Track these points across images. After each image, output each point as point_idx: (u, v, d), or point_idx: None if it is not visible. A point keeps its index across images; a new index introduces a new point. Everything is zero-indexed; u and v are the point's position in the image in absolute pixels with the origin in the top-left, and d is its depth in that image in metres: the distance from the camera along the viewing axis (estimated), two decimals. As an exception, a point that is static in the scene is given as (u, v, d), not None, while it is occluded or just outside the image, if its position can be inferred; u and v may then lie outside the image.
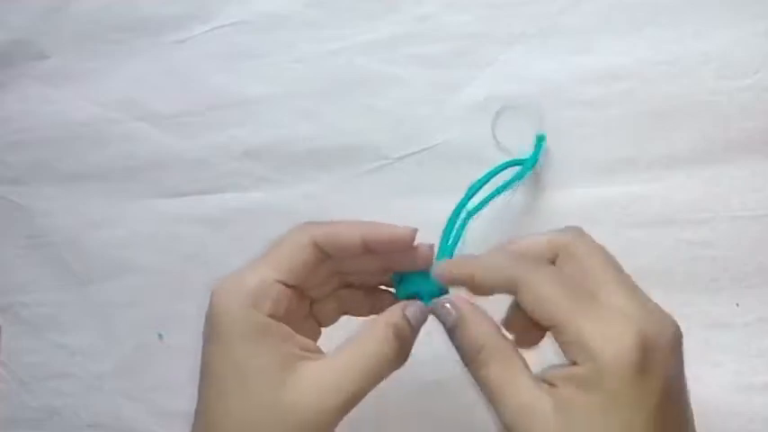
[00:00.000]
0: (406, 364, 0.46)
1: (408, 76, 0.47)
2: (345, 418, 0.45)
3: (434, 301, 0.34)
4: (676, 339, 0.31)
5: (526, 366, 0.32)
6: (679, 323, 0.44)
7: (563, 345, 0.30)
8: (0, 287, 0.53)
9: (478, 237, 0.45)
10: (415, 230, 0.35)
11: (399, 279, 0.38)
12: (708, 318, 0.44)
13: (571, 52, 0.45)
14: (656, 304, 0.32)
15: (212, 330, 0.32)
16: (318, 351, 0.35)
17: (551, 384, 0.30)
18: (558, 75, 0.45)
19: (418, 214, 0.46)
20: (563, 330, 0.30)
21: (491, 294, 0.33)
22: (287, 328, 0.33)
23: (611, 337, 0.29)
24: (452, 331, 0.33)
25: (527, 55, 0.46)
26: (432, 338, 0.44)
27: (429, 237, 0.41)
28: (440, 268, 0.35)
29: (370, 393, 0.42)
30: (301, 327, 0.35)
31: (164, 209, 0.51)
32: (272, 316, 0.32)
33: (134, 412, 0.51)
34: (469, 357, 0.32)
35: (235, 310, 0.32)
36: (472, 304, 0.33)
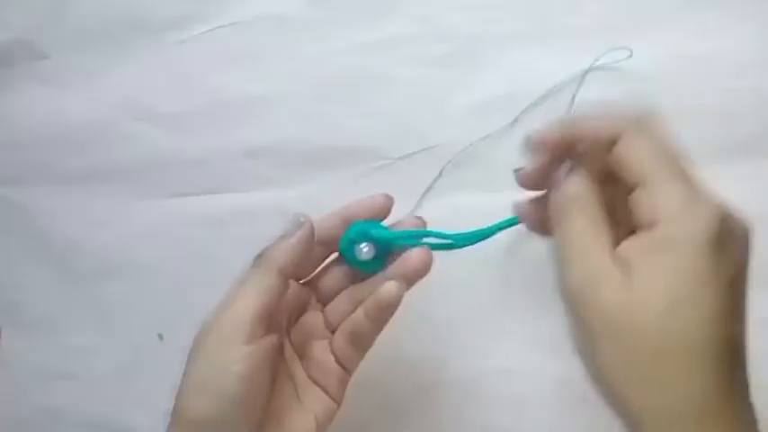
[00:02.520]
0: (406, 364, 0.46)
1: (408, 76, 0.47)
2: (345, 418, 0.45)
3: (527, 138, 0.34)
4: (750, 233, 0.30)
5: (607, 236, 0.30)
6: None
7: (646, 206, 0.29)
8: (0, 287, 0.53)
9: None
10: (389, 197, 0.38)
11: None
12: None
13: (571, 52, 0.45)
14: None
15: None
16: None
17: (623, 256, 0.29)
18: (558, 75, 0.45)
19: (418, 214, 0.46)
20: (654, 188, 0.29)
21: (580, 151, 0.32)
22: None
23: (698, 204, 0.28)
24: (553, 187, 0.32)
25: (527, 55, 0.46)
26: (431, 338, 0.44)
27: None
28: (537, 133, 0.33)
29: (369, 393, 0.42)
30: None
31: (164, 209, 0.51)
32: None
33: (134, 412, 0.51)
34: (561, 204, 0.31)
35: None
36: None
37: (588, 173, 0.32)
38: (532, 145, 0.33)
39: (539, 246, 0.45)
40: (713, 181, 0.44)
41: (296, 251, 0.36)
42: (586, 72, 0.45)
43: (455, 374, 0.46)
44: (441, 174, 0.47)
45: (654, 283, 0.28)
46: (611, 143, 0.30)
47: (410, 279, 0.37)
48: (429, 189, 0.47)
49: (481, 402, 0.45)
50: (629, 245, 0.29)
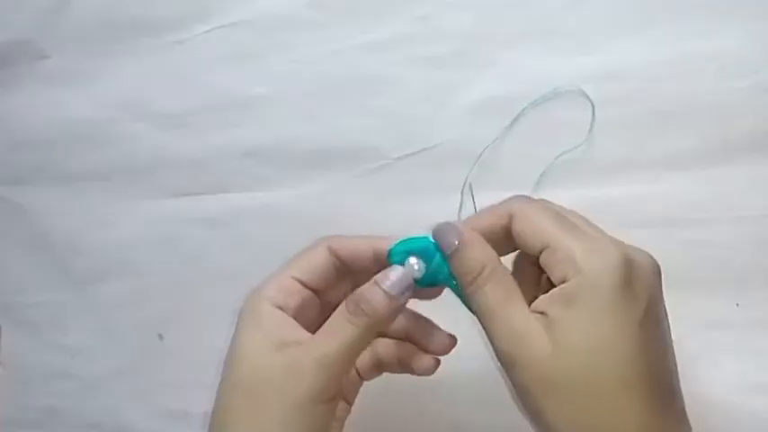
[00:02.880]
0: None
1: (408, 76, 0.47)
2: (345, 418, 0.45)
3: (436, 225, 0.35)
4: (657, 266, 0.33)
5: (521, 296, 0.33)
6: (679, 323, 0.44)
7: (553, 265, 0.31)
8: (0, 287, 0.53)
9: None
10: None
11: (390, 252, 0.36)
12: (708, 318, 0.44)
13: (571, 52, 0.45)
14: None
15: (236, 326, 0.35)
16: None
17: (541, 312, 0.31)
18: (558, 75, 0.45)
19: (418, 214, 0.46)
20: (554, 250, 0.31)
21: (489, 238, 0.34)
22: (290, 321, 0.35)
23: (598, 253, 0.31)
24: (454, 255, 0.34)
25: (527, 55, 0.46)
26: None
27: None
28: (449, 223, 0.35)
29: (368, 393, 0.42)
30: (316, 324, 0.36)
31: (164, 209, 0.51)
32: (282, 307, 0.35)
33: (134, 412, 0.51)
34: (470, 280, 0.33)
35: (249, 303, 0.35)
36: (473, 231, 0.34)
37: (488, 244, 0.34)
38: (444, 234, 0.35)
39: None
40: (713, 181, 0.44)
41: (396, 311, 0.34)
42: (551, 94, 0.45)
43: (455, 374, 0.46)
44: (440, 174, 0.47)
45: (572, 333, 0.30)
46: (507, 227, 0.34)
47: (440, 354, 0.38)
48: (428, 189, 0.47)
49: (481, 402, 0.45)
50: (544, 299, 0.31)
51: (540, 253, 0.32)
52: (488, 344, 0.33)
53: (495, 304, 0.32)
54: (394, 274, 0.34)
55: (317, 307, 0.37)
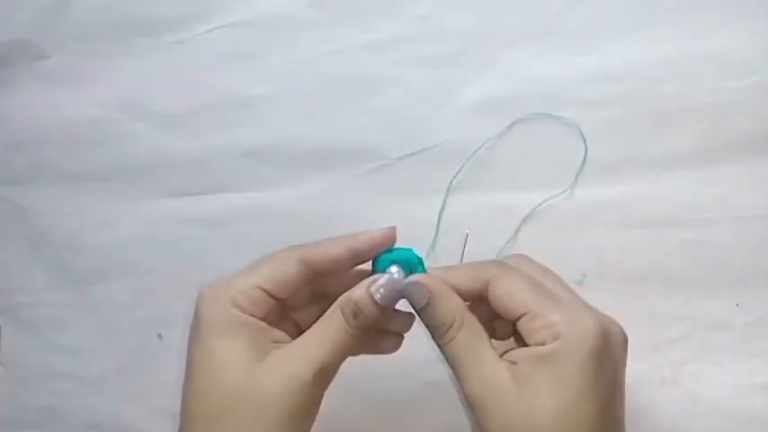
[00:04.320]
0: (406, 363, 0.46)
1: (408, 76, 0.47)
2: (345, 417, 0.45)
3: (405, 281, 0.35)
4: (625, 336, 0.34)
5: (491, 342, 0.34)
6: (679, 323, 0.45)
7: (532, 331, 0.33)
8: (0, 287, 0.53)
9: (479, 237, 0.46)
10: (393, 228, 0.36)
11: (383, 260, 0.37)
12: (708, 318, 0.44)
13: (571, 52, 0.45)
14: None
15: (194, 328, 0.34)
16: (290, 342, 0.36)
17: (513, 362, 0.33)
18: (558, 75, 0.45)
19: (418, 214, 0.46)
20: (534, 316, 0.33)
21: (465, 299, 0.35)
22: (263, 324, 0.34)
23: (578, 322, 0.32)
24: (424, 309, 0.34)
25: (527, 55, 0.46)
26: (429, 339, 0.44)
27: (428, 237, 0.41)
28: (416, 281, 0.35)
29: (369, 393, 0.42)
30: (280, 326, 0.36)
31: (164, 209, 0.51)
32: (249, 314, 0.34)
33: (134, 412, 0.51)
34: (441, 332, 0.34)
35: (214, 308, 0.34)
36: (442, 283, 0.35)
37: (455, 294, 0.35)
38: (416, 288, 0.35)
39: (538, 246, 0.46)
40: (713, 181, 0.44)
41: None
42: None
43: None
44: (440, 174, 0.47)
45: (543, 392, 0.31)
46: (484, 290, 0.35)
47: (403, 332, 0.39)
48: (428, 189, 0.47)
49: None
50: (521, 353, 0.33)
51: (518, 318, 0.33)
52: (459, 391, 0.34)
53: (465, 351, 0.34)
54: (386, 283, 0.34)
55: (278, 315, 0.36)
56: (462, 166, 0.46)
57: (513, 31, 0.46)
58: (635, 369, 0.43)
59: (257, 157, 0.49)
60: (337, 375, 0.41)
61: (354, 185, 0.48)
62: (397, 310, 0.37)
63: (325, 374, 0.33)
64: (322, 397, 0.34)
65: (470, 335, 0.34)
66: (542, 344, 0.32)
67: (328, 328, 0.34)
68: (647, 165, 0.44)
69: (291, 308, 0.38)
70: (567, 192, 0.45)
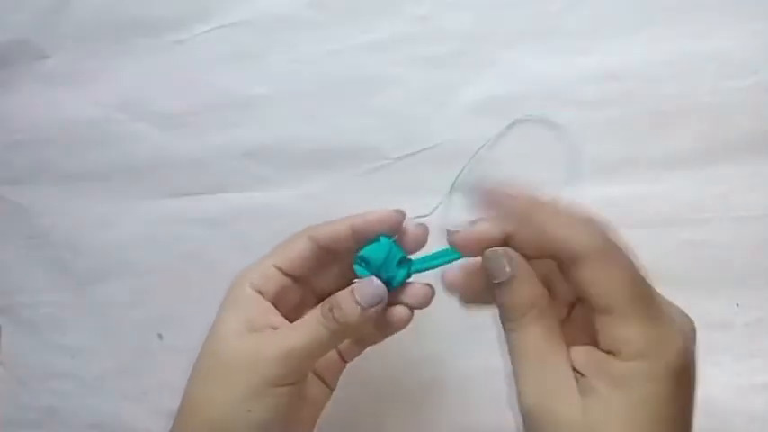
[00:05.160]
0: (406, 364, 0.46)
1: (408, 76, 0.47)
2: (344, 417, 0.45)
3: (489, 250, 0.32)
4: (696, 341, 0.31)
5: (563, 344, 0.31)
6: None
7: (612, 336, 0.29)
8: (0, 287, 0.53)
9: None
10: (402, 212, 0.36)
11: (362, 257, 0.37)
12: (708, 318, 0.44)
13: (571, 52, 0.45)
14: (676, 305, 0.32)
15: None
16: None
17: (582, 372, 0.30)
18: (558, 75, 0.45)
19: (418, 214, 0.46)
20: (620, 320, 0.29)
21: (533, 258, 0.32)
22: (268, 305, 0.37)
23: (665, 346, 0.29)
24: (502, 286, 0.31)
25: (527, 55, 0.46)
26: (429, 339, 0.44)
27: (428, 236, 0.41)
28: (499, 253, 0.31)
29: (369, 393, 0.42)
30: (303, 311, 0.38)
31: (164, 209, 0.51)
32: (261, 292, 0.37)
33: (134, 412, 0.51)
34: (514, 316, 0.31)
35: (233, 287, 0.37)
36: (527, 261, 0.31)
37: (538, 275, 0.32)
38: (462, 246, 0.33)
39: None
40: (713, 181, 0.44)
41: (369, 320, 0.35)
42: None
43: (455, 374, 0.46)
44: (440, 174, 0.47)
45: (611, 413, 0.28)
46: (571, 261, 0.30)
47: (416, 307, 0.37)
48: (428, 189, 0.47)
49: (481, 402, 0.45)
50: (589, 362, 0.30)
51: (600, 312, 0.30)
52: (511, 384, 0.31)
53: (534, 350, 0.30)
54: (369, 287, 0.35)
55: (298, 293, 0.38)
56: (464, 167, 0.46)
57: (513, 31, 0.46)
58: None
59: (257, 157, 0.49)
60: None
61: (354, 185, 0.48)
62: (412, 283, 0.37)
63: (290, 358, 0.34)
64: (295, 377, 0.35)
65: (545, 330, 0.31)
66: (616, 352, 0.29)
67: (306, 320, 0.35)
68: (647, 165, 0.44)
69: (310, 283, 0.39)
70: (567, 192, 0.45)
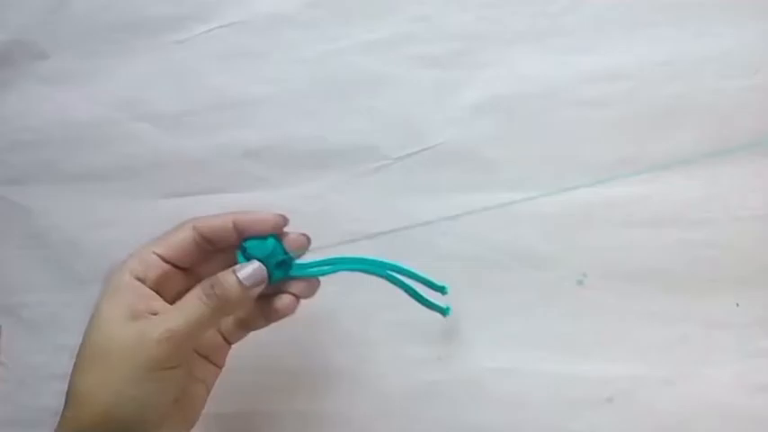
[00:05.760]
0: (406, 364, 0.46)
1: (408, 76, 0.47)
2: (344, 417, 0.45)
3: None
4: None
5: None
6: (679, 323, 0.44)
7: None
8: (0, 287, 0.53)
9: (479, 237, 0.46)
10: (284, 217, 0.39)
11: (244, 248, 0.39)
12: (708, 318, 0.44)
13: (571, 52, 0.45)
14: None
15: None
16: None
17: None
18: (558, 75, 0.45)
19: (418, 214, 0.46)
20: None
21: None
22: (148, 291, 0.38)
23: None
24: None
25: (527, 55, 0.46)
26: (430, 339, 0.44)
27: (428, 236, 0.41)
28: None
29: (369, 393, 0.42)
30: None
31: (164, 209, 0.51)
32: (142, 279, 0.38)
33: (134, 412, 0.51)
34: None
35: (112, 273, 0.38)
36: None
37: None
38: None
39: (538, 245, 0.46)
40: (713, 181, 0.44)
41: (249, 300, 0.38)
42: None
43: (455, 374, 0.46)
44: (440, 174, 0.47)
45: None
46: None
47: (302, 297, 0.40)
48: (428, 189, 0.47)
49: (481, 402, 0.45)
50: None
51: None
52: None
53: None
54: (250, 267, 0.37)
55: (181, 282, 0.39)
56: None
57: (513, 31, 0.46)
58: (635, 370, 0.43)
59: (257, 157, 0.49)
60: (336, 375, 0.41)
61: (354, 185, 0.48)
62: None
63: (173, 340, 0.35)
64: (178, 358, 0.36)
65: None
66: None
67: (186, 299, 0.37)
68: (647, 165, 0.44)
69: (193, 270, 0.40)
70: (567, 192, 0.45)
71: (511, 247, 0.45)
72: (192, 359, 0.39)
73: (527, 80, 0.46)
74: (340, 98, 0.48)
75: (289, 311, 0.39)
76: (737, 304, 0.43)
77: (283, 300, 0.39)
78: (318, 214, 0.48)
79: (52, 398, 0.52)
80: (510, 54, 0.46)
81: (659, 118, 0.44)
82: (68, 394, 0.37)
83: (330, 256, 0.41)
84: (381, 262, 0.42)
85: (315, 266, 0.40)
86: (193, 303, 0.36)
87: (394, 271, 0.42)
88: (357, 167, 0.48)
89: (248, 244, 0.38)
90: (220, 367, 0.42)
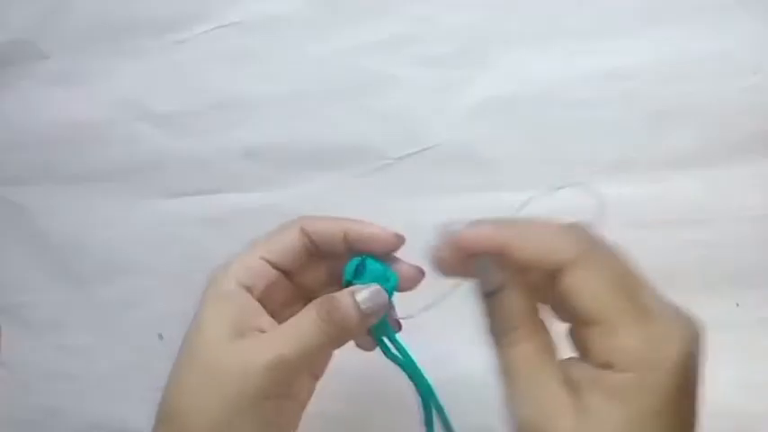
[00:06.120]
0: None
1: (409, 76, 0.47)
2: (344, 417, 0.45)
3: (479, 258, 0.30)
4: (701, 342, 0.29)
5: (556, 359, 0.29)
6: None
7: (602, 348, 0.27)
8: (0, 287, 0.53)
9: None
10: (402, 238, 0.34)
11: (354, 270, 0.35)
12: (708, 318, 0.44)
13: (571, 52, 0.45)
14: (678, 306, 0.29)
15: (200, 299, 0.35)
16: None
17: (575, 387, 0.28)
18: (558, 75, 0.45)
19: (418, 214, 0.46)
20: (611, 330, 0.27)
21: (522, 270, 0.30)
22: (255, 305, 0.34)
23: (661, 350, 0.27)
24: (489, 297, 0.30)
25: (527, 55, 0.46)
26: (430, 339, 0.44)
27: (428, 237, 0.41)
28: (487, 261, 0.30)
29: (369, 392, 0.42)
30: (292, 309, 0.35)
31: (164, 209, 0.51)
32: (250, 288, 0.34)
33: (134, 412, 0.51)
34: (502, 331, 0.29)
35: (215, 280, 0.35)
36: (518, 273, 0.29)
37: (528, 289, 0.30)
38: (458, 244, 0.30)
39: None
40: (713, 181, 0.44)
41: (366, 328, 0.34)
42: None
43: (455, 374, 0.46)
44: (440, 174, 0.47)
45: (607, 430, 0.27)
46: (556, 269, 0.28)
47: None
48: (428, 189, 0.47)
49: (480, 402, 0.45)
50: (582, 377, 0.28)
51: (589, 323, 0.28)
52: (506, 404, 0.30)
53: (526, 366, 0.29)
54: (371, 291, 0.33)
55: (286, 289, 0.35)
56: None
57: (513, 31, 0.46)
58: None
59: (257, 157, 0.49)
60: (335, 375, 0.41)
61: (354, 185, 0.48)
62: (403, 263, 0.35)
63: (281, 365, 0.32)
64: (287, 387, 0.33)
65: (538, 346, 0.29)
66: (610, 367, 0.27)
67: (297, 321, 0.33)
68: (647, 165, 0.44)
69: (301, 279, 0.36)
70: (567, 192, 0.45)
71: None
72: (300, 389, 0.36)
73: (527, 80, 0.46)
74: (340, 98, 0.48)
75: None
76: (737, 304, 0.43)
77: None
78: (318, 214, 0.48)
79: (52, 398, 0.52)
80: (510, 54, 0.46)
81: (659, 118, 0.44)
82: (164, 410, 0.33)
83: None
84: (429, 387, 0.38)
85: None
86: (308, 328, 0.32)
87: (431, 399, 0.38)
88: (357, 167, 0.48)
89: (369, 265, 0.34)
90: (319, 377, 0.38)
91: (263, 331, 0.33)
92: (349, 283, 0.34)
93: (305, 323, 0.32)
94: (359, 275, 0.34)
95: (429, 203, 0.47)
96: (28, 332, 0.53)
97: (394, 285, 0.34)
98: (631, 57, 0.44)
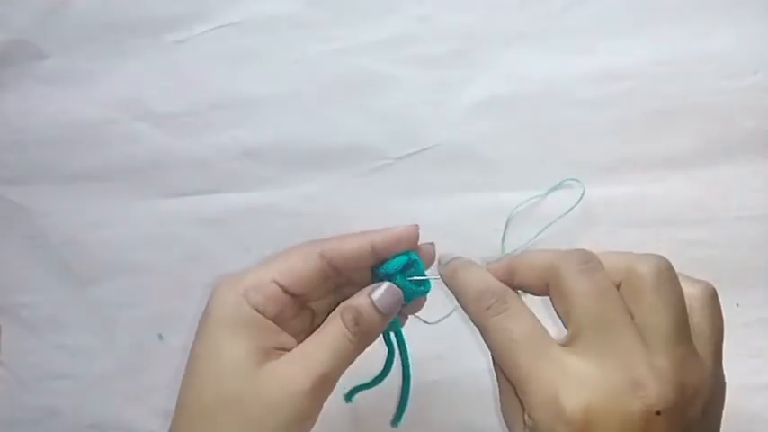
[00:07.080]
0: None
1: (408, 76, 0.47)
2: (344, 417, 0.45)
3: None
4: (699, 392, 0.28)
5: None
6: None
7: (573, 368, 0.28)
8: (0, 287, 0.53)
9: (479, 237, 0.46)
10: (416, 226, 0.35)
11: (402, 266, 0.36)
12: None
13: (571, 52, 0.45)
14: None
15: (203, 320, 0.33)
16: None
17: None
18: (558, 75, 0.45)
19: (418, 214, 0.46)
20: (579, 353, 0.29)
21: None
22: (271, 324, 0.33)
23: (613, 386, 0.27)
24: (451, 281, 0.33)
25: (527, 55, 0.46)
26: (430, 340, 0.44)
27: (428, 237, 0.41)
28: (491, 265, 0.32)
29: (370, 393, 0.42)
30: (295, 319, 0.35)
31: (164, 209, 0.51)
32: (262, 312, 0.33)
33: (134, 412, 0.51)
34: (508, 342, 0.31)
35: (225, 302, 0.33)
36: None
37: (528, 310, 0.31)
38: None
39: (538, 246, 0.45)
40: (713, 181, 0.44)
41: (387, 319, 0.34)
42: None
43: (454, 374, 0.46)
44: (440, 174, 0.47)
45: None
46: (547, 284, 0.31)
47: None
48: (428, 189, 0.47)
49: (480, 402, 0.45)
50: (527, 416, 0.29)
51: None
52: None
53: (530, 371, 0.29)
54: (388, 293, 0.33)
55: (293, 310, 0.35)
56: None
57: (513, 31, 0.46)
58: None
59: (257, 157, 0.49)
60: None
61: (354, 185, 0.48)
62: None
63: (324, 384, 0.32)
64: (321, 405, 0.33)
65: (538, 350, 0.30)
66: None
67: (329, 337, 0.32)
68: (647, 165, 0.44)
69: (309, 299, 0.36)
70: (567, 192, 0.45)
71: (511, 246, 0.45)
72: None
73: (527, 80, 0.46)
74: (340, 98, 0.48)
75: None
76: (737, 304, 0.43)
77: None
78: (318, 214, 0.48)
79: (52, 398, 0.52)
80: (510, 54, 0.46)
81: (659, 118, 0.44)
82: None
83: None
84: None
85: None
86: (340, 341, 0.32)
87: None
88: (357, 167, 0.48)
89: (417, 265, 0.35)
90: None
91: (285, 349, 0.33)
92: (389, 277, 0.35)
93: (336, 337, 0.32)
94: (406, 271, 0.35)
95: (429, 203, 0.47)
96: (28, 332, 0.53)
97: (430, 285, 0.36)
98: (631, 56, 0.44)
